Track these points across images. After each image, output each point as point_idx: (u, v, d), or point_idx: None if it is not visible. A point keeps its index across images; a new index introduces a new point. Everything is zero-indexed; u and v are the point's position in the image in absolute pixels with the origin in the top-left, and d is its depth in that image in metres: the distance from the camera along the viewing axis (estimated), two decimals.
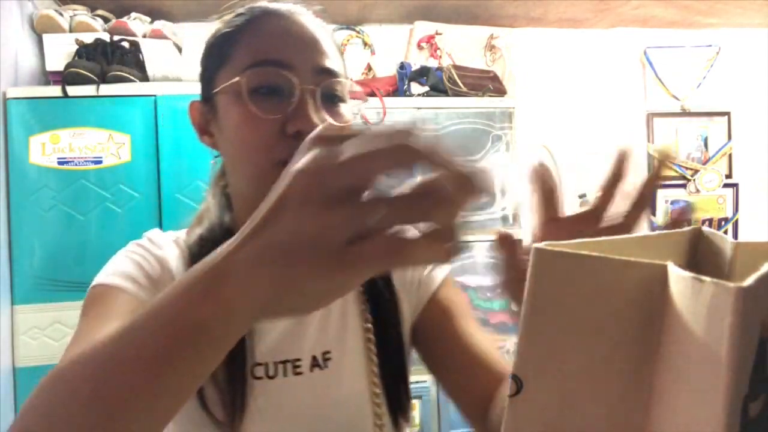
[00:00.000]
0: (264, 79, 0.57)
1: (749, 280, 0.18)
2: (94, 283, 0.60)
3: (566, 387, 0.21)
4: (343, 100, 0.62)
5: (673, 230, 0.30)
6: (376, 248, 0.28)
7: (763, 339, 0.20)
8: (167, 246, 0.65)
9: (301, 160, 0.29)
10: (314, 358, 0.63)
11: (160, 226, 1.74)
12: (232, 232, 0.65)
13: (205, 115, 0.64)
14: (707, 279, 0.19)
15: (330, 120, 0.58)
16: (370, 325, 0.65)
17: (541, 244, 0.21)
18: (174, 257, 0.64)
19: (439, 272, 0.71)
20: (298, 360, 0.62)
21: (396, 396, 0.65)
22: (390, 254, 0.28)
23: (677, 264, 0.28)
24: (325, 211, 0.28)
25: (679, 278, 0.20)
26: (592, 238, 0.25)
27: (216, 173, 0.69)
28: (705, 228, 0.30)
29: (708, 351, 0.19)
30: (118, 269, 0.60)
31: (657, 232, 0.30)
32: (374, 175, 0.28)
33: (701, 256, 0.30)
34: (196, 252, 0.63)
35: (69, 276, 1.69)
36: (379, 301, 0.67)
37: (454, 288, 0.72)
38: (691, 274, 0.20)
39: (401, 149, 0.27)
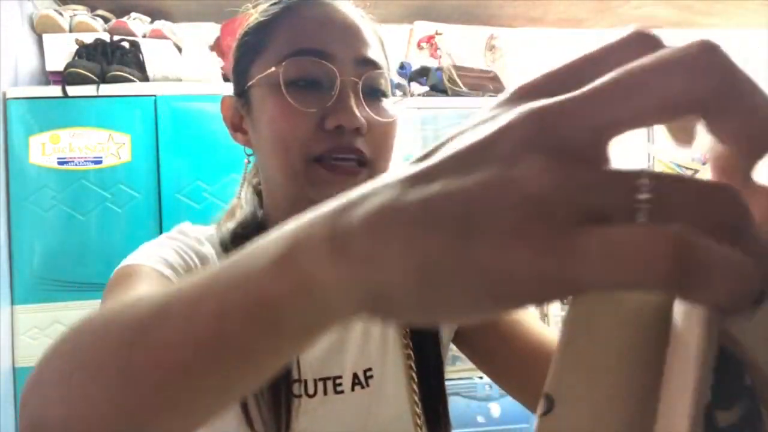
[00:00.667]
0: (302, 69, 0.54)
1: None
2: (122, 264, 0.52)
3: (596, 409, 0.21)
4: (385, 95, 0.58)
5: None
6: (645, 241, 0.15)
7: (723, 347, 0.20)
8: (206, 244, 0.59)
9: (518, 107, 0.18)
10: (355, 375, 0.59)
11: (160, 226, 1.74)
12: (264, 228, 0.61)
13: (238, 110, 0.61)
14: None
15: (374, 116, 0.55)
16: (408, 341, 0.62)
17: None
18: (213, 255, 0.59)
19: None
20: (339, 377, 0.59)
21: (435, 417, 0.61)
22: (670, 262, 0.15)
23: None
24: (568, 164, 0.16)
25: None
26: None
27: (249, 170, 0.66)
28: None
29: (682, 359, 0.19)
30: (156, 253, 0.53)
31: None
32: (655, 112, 0.16)
33: None
34: (228, 248, 0.58)
35: (69, 276, 1.69)
36: None
37: None
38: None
39: (710, 57, 0.16)
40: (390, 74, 0.61)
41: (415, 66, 2.13)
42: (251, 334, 0.22)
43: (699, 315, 0.18)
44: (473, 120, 0.19)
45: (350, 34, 0.56)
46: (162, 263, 0.52)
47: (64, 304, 1.68)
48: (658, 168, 2.33)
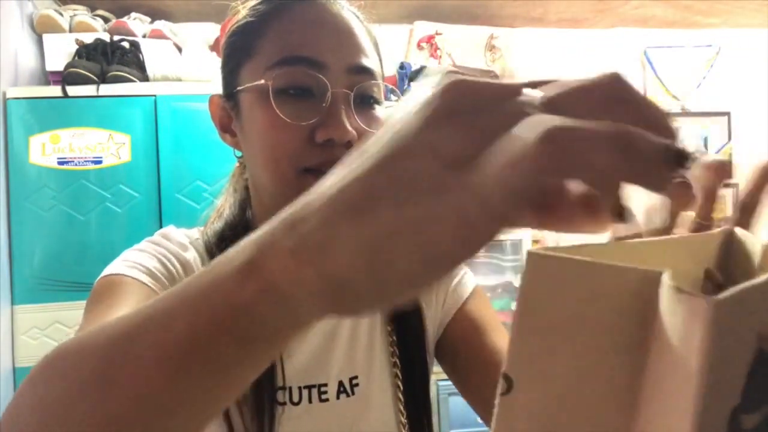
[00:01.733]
0: (293, 78, 0.52)
1: (727, 293, 0.18)
2: (104, 273, 0.52)
3: (554, 389, 0.21)
4: (378, 102, 0.56)
5: (704, 231, 0.28)
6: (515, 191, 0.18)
7: (762, 350, 0.19)
8: (189, 249, 0.59)
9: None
10: (341, 383, 0.59)
11: (160, 226, 1.73)
12: (252, 230, 0.61)
13: (227, 111, 0.59)
14: (685, 289, 0.19)
15: (365, 127, 0.53)
16: (395, 349, 0.62)
17: (534, 248, 0.21)
18: (196, 260, 0.58)
19: (469, 283, 0.66)
20: (324, 385, 0.58)
21: (419, 427, 0.61)
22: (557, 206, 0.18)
23: (711, 269, 0.27)
24: (470, 125, 0.19)
25: (665, 287, 0.20)
26: (622, 240, 0.24)
27: (237, 169, 0.65)
28: (738, 229, 0.28)
29: (681, 364, 0.19)
30: (136, 261, 0.54)
31: (687, 234, 0.28)
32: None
33: (733, 259, 0.28)
34: (215, 250, 0.58)
35: (69, 276, 1.69)
36: (405, 326, 0.62)
37: (484, 299, 0.66)
38: (671, 283, 0.19)
39: (610, 80, 0.19)
40: (384, 74, 0.59)
41: (415, 66, 2.13)
42: (223, 343, 0.23)
43: (702, 332, 0.18)
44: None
45: (343, 39, 0.54)
46: (143, 272, 0.52)
47: (64, 304, 1.68)
48: None
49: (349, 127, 0.52)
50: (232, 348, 0.23)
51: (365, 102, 0.55)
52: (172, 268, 0.55)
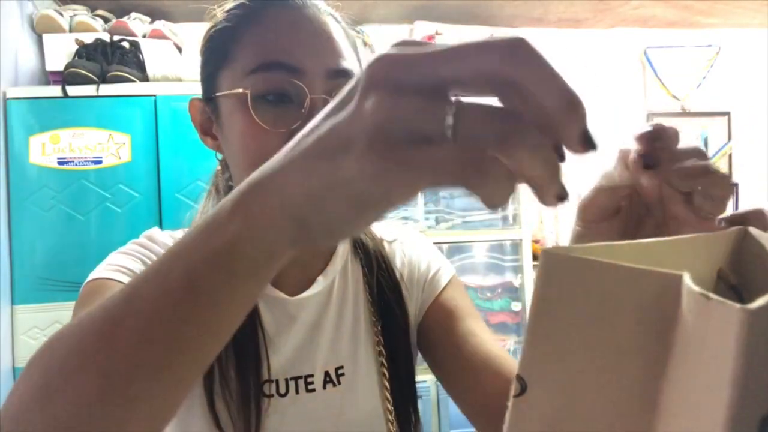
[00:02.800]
0: (270, 85, 0.52)
1: (760, 301, 0.17)
2: (89, 278, 0.53)
3: (569, 391, 0.21)
4: None
5: (715, 231, 0.28)
6: (448, 155, 0.22)
7: None
8: None
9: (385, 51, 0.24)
10: (327, 374, 0.60)
11: (160, 226, 1.73)
12: None
13: (207, 115, 0.60)
14: (714, 297, 0.18)
15: None
16: (380, 338, 0.63)
17: (550, 248, 0.21)
18: None
19: (445, 275, 0.68)
20: (311, 376, 0.59)
21: (406, 414, 0.62)
22: (462, 168, 0.22)
23: (724, 269, 0.27)
24: (396, 98, 0.23)
25: (690, 292, 0.20)
26: (633, 240, 0.24)
27: (218, 170, 0.65)
28: (751, 228, 0.28)
29: (711, 373, 0.18)
30: (120, 264, 0.54)
31: (697, 234, 0.28)
32: (471, 72, 0.22)
33: (746, 259, 0.28)
34: None
35: (69, 276, 1.69)
36: (389, 314, 0.64)
37: (460, 289, 0.68)
38: (699, 290, 0.19)
39: (517, 47, 0.22)
40: None
41: None
42: (214, 281, 0.27)
43: (736, 341, 0.17)
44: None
45: (320, 43, 0.54)
46: (127, 275, 0.53)
47: (64, 304, 1.68)
48: None
49: None
50: (223, 283, 0.27)
51: None
52: None
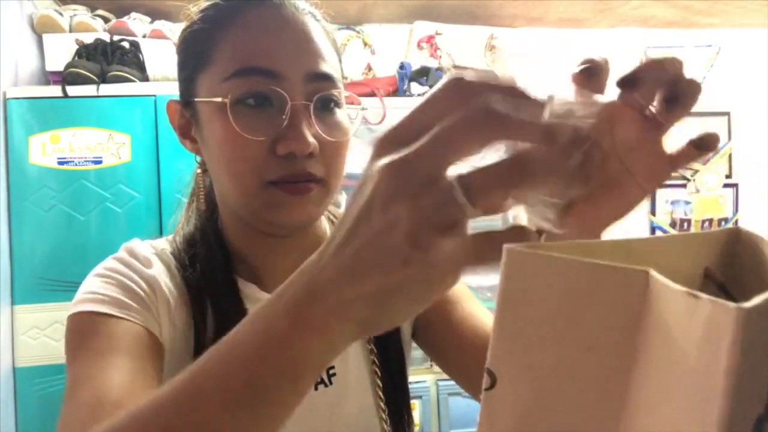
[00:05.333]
0: (249, 91, 0.51)
1: (755, 300, 0.17)
2: (74, 310, 0.53)
3: (538, 385, 0.21)
4: (339, 106, 0.56)
5: (706, 231, 0.28)
6: (462, 244, 0.25)
7: None
8: (154, 263, 0.59)
9: (380, 161, 0.26)
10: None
11: (160, 226, 1.74)
12: (221, 235, 0.61)
13: (186, 119, 0.59)
14: (703, 296, 0.18)
15: (325, 136, 0.53)
16: (371, 337, 0.63)
17: (513, 245, 0.22)
18: (161, 274, 0.58)
19: None
20: None
21: (399, 412, 0.63)
22: (474, 250, 0.26)
23: (711, 267, 0.27)
24: (414, 204, 0.25)
25: (666, 289, 0.20)
26: (617, 239, 0.24)
27: (198, 175, 0.64)
28: (743, 228, 0.28)
29: (701, 371, 0.18)
30: (103, 294, 0.53)
31: (689, 232, 0.28)
32: (462, 154, 0.25)
33: (737, 260, 0.28)
34: (183, 255, 0.58)
35: (69, 276, 1.68)
36: None
37: None
38: (684, 289, 0.19)
39: (484, 115, 0.24)
40: (344, 75, 0.58)
41: (415, 66, 2.12)
42: (281, 384, 0.29)
43: (730, 340, 0.17)
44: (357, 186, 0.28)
45: (299, 46, 0.53)
46: (112, 305, 0.52)
47: (64, 304, 1.68)
48: None
49: (310, 139, 0.51)
50: (287, 385, 0.29)
51: (325, 107, 0.55)
52: (137, 289, 0.55)
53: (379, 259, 0.26)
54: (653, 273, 0.20)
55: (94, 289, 0.54)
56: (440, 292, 0.28)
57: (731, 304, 0.17)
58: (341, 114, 0.56)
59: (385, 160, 0.26)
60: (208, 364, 0.31)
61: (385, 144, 0.27)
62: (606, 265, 0.21)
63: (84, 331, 0.51)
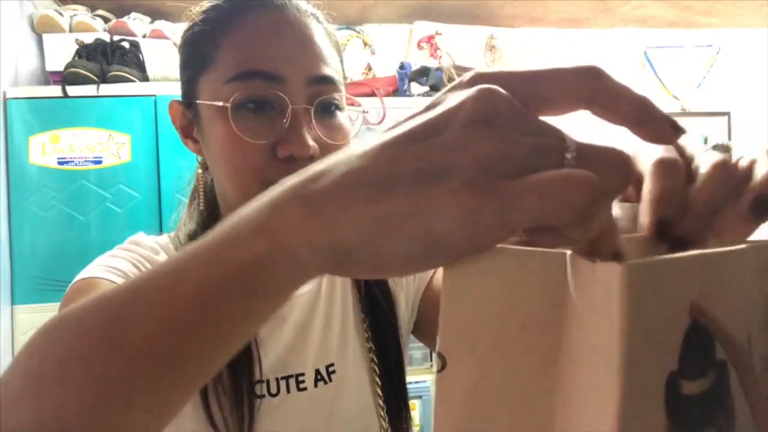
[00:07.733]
0: (250, 94, 0.52)
1: (645, 259, 0.19)
2: (77, 278, 0.52)
3: (484, 366, 0.23)
4: (340, 108, 0.56)
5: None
6: (577, 175, 0.20)
7: (695, 320, 0.21)
8: (160, 253, 0.59)
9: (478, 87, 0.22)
10: (318, 372, 0.60)
11: (160, 226, 1.74)
12: None
13: (188, 119, 0.60)
14: (598, 260, 0.20)
15: (326, 139, 0.53)
16: (369, 334, 0.63)
17: None
18: None
19: None
20: (302, 374, 0.59)
21: (397, 409, 0.63)
22: (568, 196, 0.19)
23: None
24: (509, 135, 0.20)
25: (577, 262, 0.22)
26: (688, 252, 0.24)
27: (200, 173, 0.64)
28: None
29: (603, 335, 0.20)
30: (109, 264, 0.54)
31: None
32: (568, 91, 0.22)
33: None
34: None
35: (69, 276, 1.66)
36: (377, 311, 0.64)
37: None
38: (587, 258, 0.21)
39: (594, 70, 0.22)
40: (346, 76, 0.58)
41: (415, 66, 2.13)
42: (232, 299, 0.24)
43: (620, 294, 0.19)
44: (435, 98, 0.23)
45: (301, 49, 0.53)
46: (117, 275, 0.53)
47: None
48: None
49: (311, 142, 0.52)
50: (239, 303, 0.24)
51: (326, 110, 0.55)
52: (144, 269, 0.55)
53: (423, 173, 0.20)
54: (569, 254, 0.22)
55: (101, 262, 0.54)
56: (459, 252, 0.21)
57: (618, 264, 0.19)
58: (342, 117, 0.57)
59: (487, 86, 0.21)
60: (163, 268, 0.26)
61: (486, 78, 0.22)
62: (531, 250, 0.22)
63: (83, 290, 0.50)
